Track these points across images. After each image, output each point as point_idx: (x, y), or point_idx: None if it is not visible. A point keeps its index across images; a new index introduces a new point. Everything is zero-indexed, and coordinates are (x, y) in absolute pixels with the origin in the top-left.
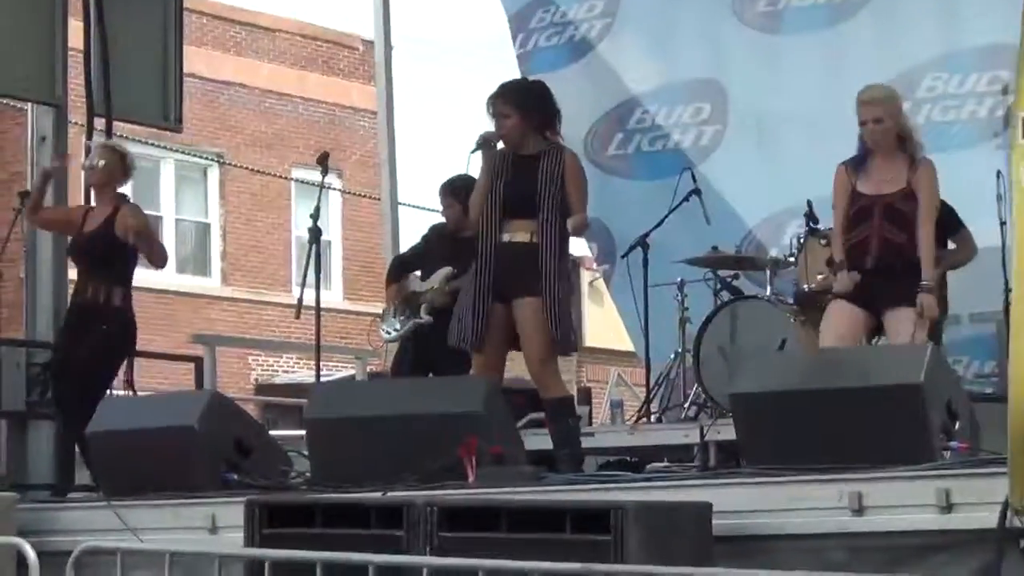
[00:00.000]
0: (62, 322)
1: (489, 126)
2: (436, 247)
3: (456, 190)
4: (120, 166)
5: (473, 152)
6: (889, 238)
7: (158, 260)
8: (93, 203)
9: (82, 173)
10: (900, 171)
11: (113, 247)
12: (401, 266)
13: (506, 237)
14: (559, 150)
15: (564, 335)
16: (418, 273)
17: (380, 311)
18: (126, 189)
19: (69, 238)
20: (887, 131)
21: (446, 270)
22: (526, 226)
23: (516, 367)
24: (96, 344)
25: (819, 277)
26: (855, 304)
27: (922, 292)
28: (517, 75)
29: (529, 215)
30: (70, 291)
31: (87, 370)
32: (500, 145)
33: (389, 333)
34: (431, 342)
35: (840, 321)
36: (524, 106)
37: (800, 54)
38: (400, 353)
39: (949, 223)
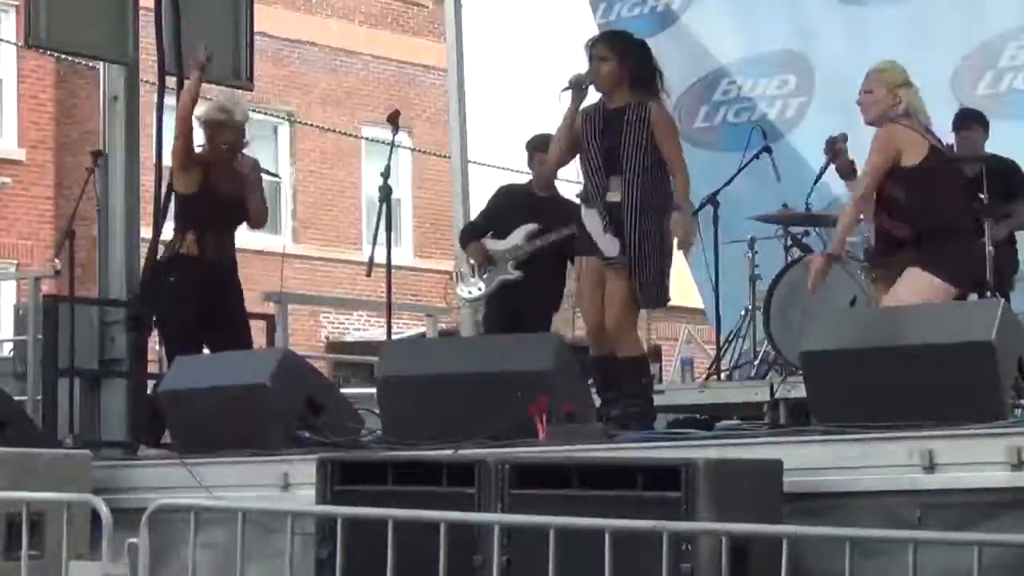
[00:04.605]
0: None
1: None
2: (508, 206)
3: (546, 146)
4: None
5: (564, 91)
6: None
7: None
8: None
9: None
10: None
11: None
12: (473, 229)
13: (610, 197)
14: (644, 103)
15: (646, 292)
16: (490, 235)
17: (451, 269)
18: None
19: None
20: (874, 102)
21: (529, 227)
22: (618, 183)
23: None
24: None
25: None
26: None
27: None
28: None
29: (619, 172)
30: (143, 250)
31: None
32: (591, 91)
33: (471, 292)
34: (519, 298)
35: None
36: (624, 53)
37: (884, 25)
38: (492, 310)
39: (1017, 183)
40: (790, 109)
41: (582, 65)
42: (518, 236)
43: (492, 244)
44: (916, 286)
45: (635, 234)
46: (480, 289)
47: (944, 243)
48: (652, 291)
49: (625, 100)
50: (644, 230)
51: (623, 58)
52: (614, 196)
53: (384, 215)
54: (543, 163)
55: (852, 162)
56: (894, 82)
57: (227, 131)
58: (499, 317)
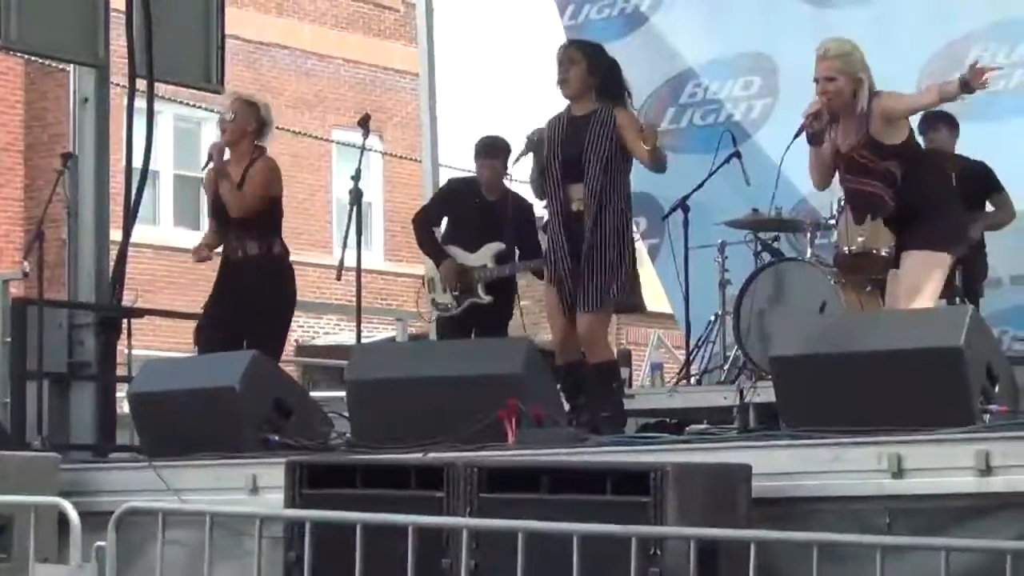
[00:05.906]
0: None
1: (533, 108)
2: (463, 206)
3: (497, 151)
4: (252, 118)
5: (522, 155)
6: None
7: None
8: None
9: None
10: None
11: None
12: (428, 222)
13: (573, 206)
14: (610, 109)
15: (606, 295)
16: (442, 225)
17: (422, 274)
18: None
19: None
20: (840, 91)
21: (496, 247)
22: (580, 191)
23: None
24: (245, 302)
25: (859, 240)
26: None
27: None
28: (562, 38)
29: (580, 179)
30: (112, 253)
31: (238, 329)
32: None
33: (445, 309)
34: (488, 318)
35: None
36: (593, 58)
37: (850, 26)
38: (457, 327)
39: (988, 184)
40: (755, 111)
41: (551, 69)
42: (486, 255)
43: (462, 257)
44: (920, 263)
45: (595, 238)
46: (452, 307)
47: (926, 219)
48: (613, 295)
49: (592, 107)
50: (604, 234)
51: (592, 63)
52: (577, 205)
53: (354, 219)
54: (484, 167)
55: (822, 132)
56: (857, 68)
57: (254, 117)
58: (459, 331)
